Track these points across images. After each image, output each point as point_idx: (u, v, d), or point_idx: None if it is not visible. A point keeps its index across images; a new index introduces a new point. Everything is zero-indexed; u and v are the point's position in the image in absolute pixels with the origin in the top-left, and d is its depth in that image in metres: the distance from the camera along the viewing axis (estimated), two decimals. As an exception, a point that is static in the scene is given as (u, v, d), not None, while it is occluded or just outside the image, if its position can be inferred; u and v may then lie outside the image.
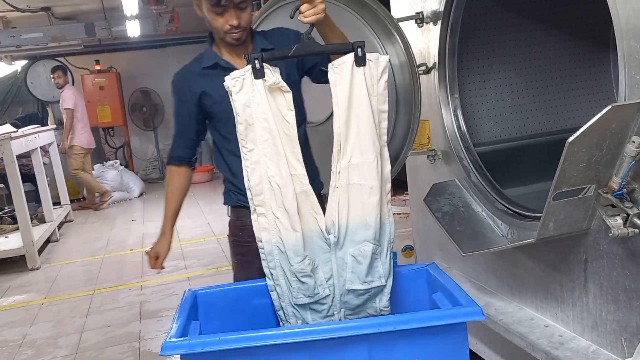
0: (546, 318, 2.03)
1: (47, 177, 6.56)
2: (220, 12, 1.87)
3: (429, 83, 2.55)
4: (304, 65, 1.99)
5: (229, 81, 1.71)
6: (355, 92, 1.72)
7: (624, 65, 1.52)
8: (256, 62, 1.68)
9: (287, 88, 1.72)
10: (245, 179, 1.75)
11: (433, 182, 2.50)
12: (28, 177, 6.61)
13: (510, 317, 2.12)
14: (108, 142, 10.08)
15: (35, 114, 9.52)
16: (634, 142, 1.48)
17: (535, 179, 2.73)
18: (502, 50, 2.83)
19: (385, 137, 1.78)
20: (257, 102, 1.71)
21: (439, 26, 2.43)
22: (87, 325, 3.81)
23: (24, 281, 4.99)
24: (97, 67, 9.55)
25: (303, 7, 1.69)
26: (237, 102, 1.72)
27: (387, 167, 1.78)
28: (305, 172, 1.74)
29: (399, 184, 5.07)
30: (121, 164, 8.79)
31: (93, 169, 8.30)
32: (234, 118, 1.76)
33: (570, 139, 1.46)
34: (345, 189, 1.73)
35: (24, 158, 6.53)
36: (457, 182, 2.45)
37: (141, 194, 8.68)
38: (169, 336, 1.52)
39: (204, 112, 2.00)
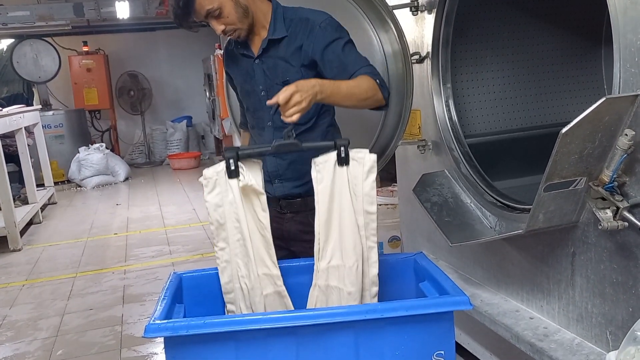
0: (532, 310, 2.04)
1: (31, 158, 6.46)
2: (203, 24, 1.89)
3: (422, 72, 2.53)
4: (319, 62, 1.87)
5: (202, 180, 1.69)
6: (337, 192, 1.67)
7: (620, 57, 1.51)
8: (231, 161, 1.65)
9: (262, 190, 1.69)
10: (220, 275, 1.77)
11: (422, 172, 2.49)
12: (11, 157, 6.50)
13: (495, 308, 2.12)
14: (94, 125, 9.96)
15: (21, 94, 9.36)
16: (626, 135, 1.47)
17: (524, 172, 2.74)
18: (495, 42, 2.82)
19: (374, 238, 1.71)
20: (230, 202, 1.68)
21: (433, 15, 2.41)
22: (68, 308, 3.77)
23: (5, 262, 4.92)
24: (85, 49, 9.41)
25: (281, 110, 1.63)
26: (209, 202, 1.69)
27: (374, 270, 1.72)
28: (279, 273, 1.73)
29: (387, 176, 5.07)
30: (107, 148, 8.69)
31: (78, 152, 8.20)
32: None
33: (564, 130, 1.45)
34: (324, 291, 1.72)
35: (8, 138, 6.43)
36: (447, 172, 2.44)
37: (127, 179, 8.60)
38: (152, 318, 1.49)
39: None
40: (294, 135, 1.67)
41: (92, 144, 8.57)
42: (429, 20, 2.45)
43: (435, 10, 2.39)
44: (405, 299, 1.73)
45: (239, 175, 1.66)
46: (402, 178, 2.93)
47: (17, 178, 6.66)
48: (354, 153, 1.66)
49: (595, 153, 1.54)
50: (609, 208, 1.55)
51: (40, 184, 6.88)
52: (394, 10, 2.37)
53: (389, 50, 2.39)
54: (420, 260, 1.83)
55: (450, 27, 2.42)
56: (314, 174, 1.68)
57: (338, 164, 1.66)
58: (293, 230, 2.00)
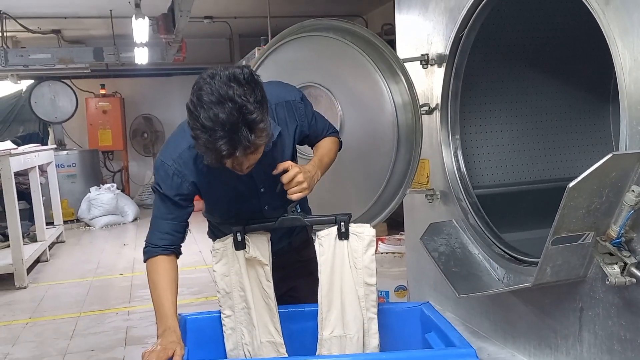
0: (539, 366, 2.00)
1: (42, 196, 6.53)
2: None
3: (431, 123, 2.57)
4: (301, 139, 1.93)
5: (211, 251, 1.79)
6: (338, 264, 1.76)
7: (626, 115, 1.54)
8: (238, 234, 1.74)
9: (266, 261, 1.76)
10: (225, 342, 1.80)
11: (430, 221, 2.50)
12: (24, 195, 6.57)
13: (502, 363, 2.09)
14: (106, 165, 10.09)
15: (36, 133, 9.55)
16: (633, 191, 1.49)
17: (532, 225, 2.73)
18: (504, 96, 2.87)
19: (374, 309, 1.78)
20: (236, 272, 1.77)
21: (443, 68, 2.47)
22: (70, 348, 3.73)
23: (10, 299, 4.91)
24: (102, 91, 9.64)
25: (285, 187, 1.68)
26: (217, 272, 1.78)
27: (374, 341, 1.77)
28: (282, 341, 1.78)
29: (394, 224, 5.05)
30: (118, 188, 8.77)
31: (89, 191, 8.27)
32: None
33: (571, 184, 1.47)
34: None
35: (21, 176, 6.52)
36: (455, 222, 2.44)
37: (135, 219, 8.63)
38: (155, 360, 1.48)
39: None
40: (299, 210, 1.76)
41: (103, 184, 8.66)
42: (438, 73, 2.51)
43: (445, 64, 2.45)
44: (411, 350, 1.72)
45: (245, 247, 1.74)
46: (410, 227, 2.93)
47: (27, 216, 6.72)
48: (354, 228, 1.76)
49: (603, 208, 1.55)
50: (616, 263, 1.55)
51: (49, 222, 6.93)
52: (404, 63, 2.44)
53: (399, 101, 2.44)
54: (426, 310, 1.82)
55: (459, 81, 2.47)
56: (316, 246, 1.77)
57: (338, 238, 1.75)
58: (292, 260, 2.02)
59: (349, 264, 1.74)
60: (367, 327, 1.76)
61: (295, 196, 1.68)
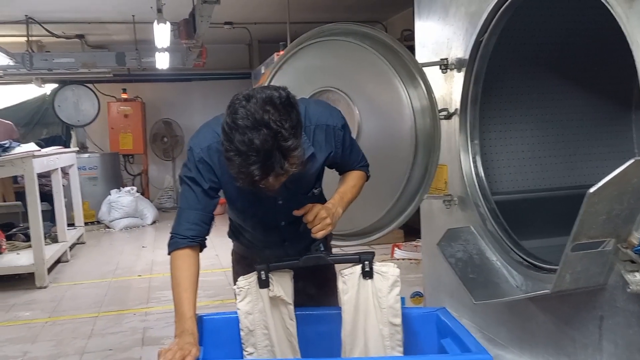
0: (557, 375, 1.97)
1: (64, 198, 6.62)
2: None
3: (450, 128, 2.56)
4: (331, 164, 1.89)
5: (235, 289, 1.79)
6: (362, 304, 1.75)
7: (648, 120, 1.52)
8: (262, 273, 1.74)
9: (290, 300, 1.76)
10: None
11: (448, 227, 2.48)
12: (46, 196, 6.67)
13: (519, 371, 2.06)
14: (127, 168, 10.21)
15: (59, 136, 9.69)
16: (655, 197, 1.46)
17: (551, 233, 2.69)
18: (524, 103, 2.85)
19: (400, 349, 1.77)
20: (260, 310, 1.77)
21: (462, 73, 2.46)
22: (88, 348, 3.77)
23: (30, 299, 4.98)
24: (124, 96, 9.76)
25: (309, 226, 1.69)
26: (240, 310, 1.78)
27: None
28: None
29: (411, 231, 5.03)
30: (137, 191, 8.87)
31: (109, 194, 8.39)
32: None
33: (592, 189, 1.45)
34: None
35: (44, 178, 6.61)
36: (472, 229, 2.43)
37: (154, 222, 8.71)
38: None
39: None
40: (322, 249, 1.75)
41: (123, 187, 8.76)
42: (458, 78, 2.50)
43: (464, 69, 2.44)
44: (427, 355, 1.71)
45: (269, 286, 1.74)
46: (427, 233, 2.92)
47: (49, 217, 6.80)
48: (378, 267, 1.75)
49: (623, 215, 1.53)
50: (637, 271, 1.52)
51: (70, 224, 7.02)
52: (423, 68, 2.43)
53: (417, 106, 2.44)
54: (442, 316, 1.80)
55: (479, 86, 2.46)
56: (340, 285, 1.76)
57: (363, 277, 1.74)
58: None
59: (373, 303, 1.74)
60: None
61: (319, 234, 1.67)
